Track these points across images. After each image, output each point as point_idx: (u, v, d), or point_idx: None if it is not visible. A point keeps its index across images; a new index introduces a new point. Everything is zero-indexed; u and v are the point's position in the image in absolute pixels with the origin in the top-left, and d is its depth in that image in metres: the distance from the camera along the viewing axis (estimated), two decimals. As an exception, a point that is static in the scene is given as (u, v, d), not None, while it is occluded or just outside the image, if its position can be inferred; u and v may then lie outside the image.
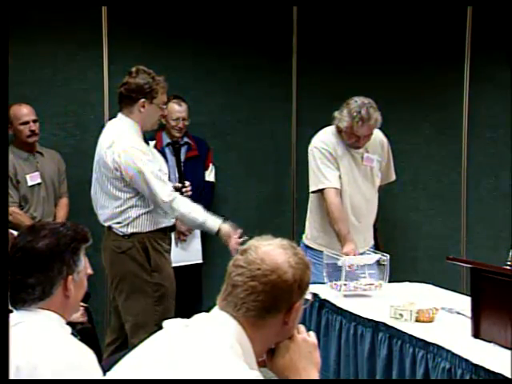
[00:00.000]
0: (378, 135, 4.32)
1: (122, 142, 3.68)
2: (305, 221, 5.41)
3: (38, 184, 4.67)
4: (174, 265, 4.74)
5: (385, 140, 4.37)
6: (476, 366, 2.45)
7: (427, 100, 5.55)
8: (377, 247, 4.78)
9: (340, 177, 4.18)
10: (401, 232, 5.61)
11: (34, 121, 4.67)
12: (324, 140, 4.27)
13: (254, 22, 5.36)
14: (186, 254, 4.85)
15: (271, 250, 1.77)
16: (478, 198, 5.57)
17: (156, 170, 3.71)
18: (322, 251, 4.05)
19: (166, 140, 4.99)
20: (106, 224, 3.77)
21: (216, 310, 1.78)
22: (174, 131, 4.96)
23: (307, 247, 4.29)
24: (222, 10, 5.25)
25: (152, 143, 4.95)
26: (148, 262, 3.72)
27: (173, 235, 4.86)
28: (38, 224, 2.14)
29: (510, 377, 2.30)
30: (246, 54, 5.35)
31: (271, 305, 1.74)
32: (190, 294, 4.96)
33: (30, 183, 4.65)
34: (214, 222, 3.75)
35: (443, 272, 4.83)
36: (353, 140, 4.13)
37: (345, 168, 4.20)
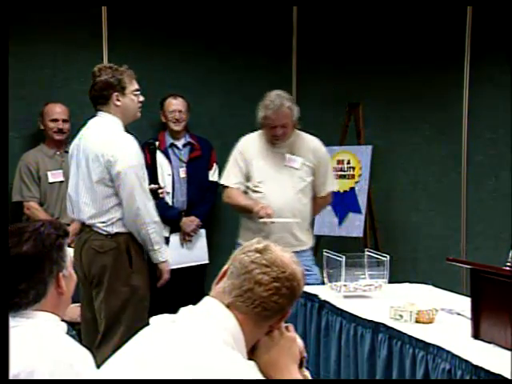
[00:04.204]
0: (312, 142, 4.31)
1: (118, 143, 3.68)
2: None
3: (60, 182, 4.70)
4: (179, 266, 4.78)
5: (322, 149, 4.32)
6: (476, 366, 2.45)
7: (427, 100, 5.55)
8: (376, 248, 4.79)
9: (251, 176, 4.22)
10: (401, 232, 5.61)
11: (64, 120, 4.78)
12: (242, 141, 4.33)
13: (253, 22, 5.37)
14: (192, 254, 4.85)
15: (290, 258, 1.82)
16: (478, 199, 5.57)
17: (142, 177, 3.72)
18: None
19: (169, 141, 5.00)
20: (89, 222, 3.72)
21: (217, 303, 1.76)
22: (171, 124, 4.98)
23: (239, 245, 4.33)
24: (222, 10, 5.26)
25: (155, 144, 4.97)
26: (129, 263, 3.71)
27: (178, 236, 4.89)
28: (14, 228, 2.08)
29: (510, 378, 2.30)
30: (246, 54, 5.36)
31: (282, 309, 1.79)
32: (194, 294, 4.95)
33: (50, 180, 4.72)
34: None
35: (443, 273, 4.82)
36: (271, 131, 4.15)
37: (260, 168, 4.22)
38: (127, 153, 3.65)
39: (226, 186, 4.31)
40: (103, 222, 3.68)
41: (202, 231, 4.97)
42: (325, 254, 3.75)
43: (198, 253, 4.93)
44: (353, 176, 5.27)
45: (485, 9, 5.38)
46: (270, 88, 5.36)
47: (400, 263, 4.97)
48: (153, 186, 3.98)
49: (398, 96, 5.53)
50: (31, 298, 1.96)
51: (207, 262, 5.00)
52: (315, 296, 3.57)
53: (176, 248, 4.90)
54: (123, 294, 3.68)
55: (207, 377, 1.59)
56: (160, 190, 3.98)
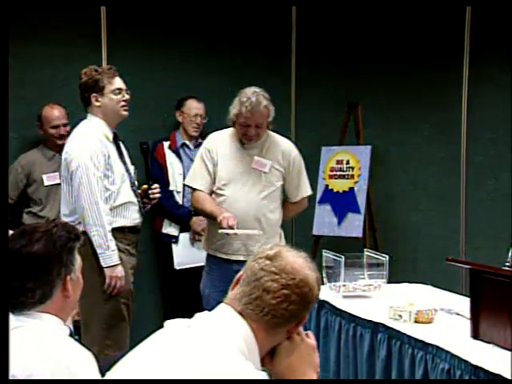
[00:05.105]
0: (283, 144, 4.04)
1: (75, 142, 3.74)
2: (305, 221, 5.43)
3: (58, 184, 4.66)
4: (189, 266, 4.80)
5: (293, 152, 4.04)
6: (475, 366, 2.45)
7: (427, 100, 5.55)
8: (376, 248, 4.79)
9: (215, 177, 3.96)
10: (400, 233, 5.61)
11: (65, 124, 4.69)
12: (210, 139, 4.07)
13: (253, 22, 5.37)
14: (201, 254, 4.83)
15: (302, 263, 1.80)
16: (477, 199, 5.56)
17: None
18: (212, 255, 4.05)
19: (181, 140, 4.99)
20: (66, 221, 3.76)
21: (230, 310, 1.77)
22: (191, 129, 4.95)
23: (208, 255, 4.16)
24: (222, 10, 5.26)
25: (166, 144, 4.96)
26: (97, 260, 3.70)
27: (188, 236, 4.91)
28: (28, 227, 2.09)
29: (509, 378, 2.30)
30: (245, 54, 5.36)
31: (295, 316, 1.78)
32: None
33: (46, 183, 4.65)
34: None
35: (443, 273, 4.82)
36: (243, 130, 3.87)
37: (226, 169, 3.94)
38: (80, 152, 3.69)
39: (193, 189, 4.02)
40: (73, 222, 3.70)
41: None
42: (324, 254, 3.75)
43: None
44: (352, 176, 5.27)
45: (484, 9, 5.38)
46: (270, 88, 5.37)
47: (399, 263, 4.97)
48: (144, 186, 3.98)
49: (398, 96, 5.53)
50: (37, 298, 1.96)
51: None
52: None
53: (185, 247, 4.91)
54: (94, 290, 3.68)
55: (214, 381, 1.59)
56: (150, 191, 3.96)
